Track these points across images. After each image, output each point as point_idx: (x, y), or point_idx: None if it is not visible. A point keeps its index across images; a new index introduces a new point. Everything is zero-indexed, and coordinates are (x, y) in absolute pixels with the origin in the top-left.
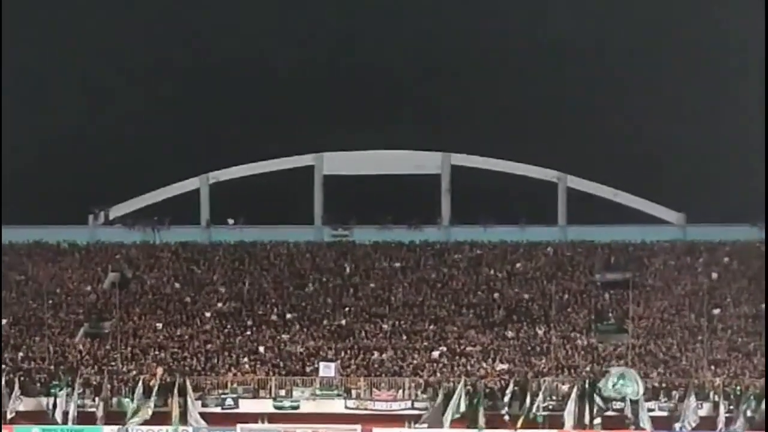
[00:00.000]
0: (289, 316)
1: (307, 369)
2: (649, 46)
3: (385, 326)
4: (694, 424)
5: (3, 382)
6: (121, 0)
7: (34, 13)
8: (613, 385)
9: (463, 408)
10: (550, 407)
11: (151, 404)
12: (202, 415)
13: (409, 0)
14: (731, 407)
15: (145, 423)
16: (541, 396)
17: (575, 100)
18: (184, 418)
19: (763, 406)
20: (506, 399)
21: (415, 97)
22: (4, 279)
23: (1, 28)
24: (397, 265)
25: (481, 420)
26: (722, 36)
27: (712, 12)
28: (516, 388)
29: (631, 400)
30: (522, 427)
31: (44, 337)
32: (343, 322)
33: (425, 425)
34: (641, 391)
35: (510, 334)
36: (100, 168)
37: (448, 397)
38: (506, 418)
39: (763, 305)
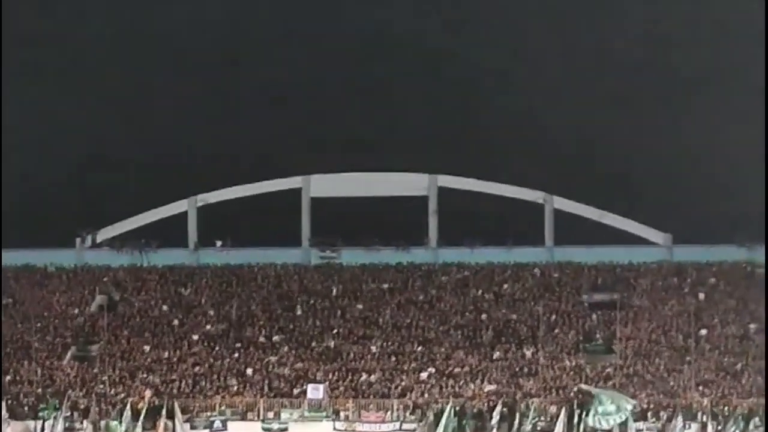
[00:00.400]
0: (277, 338)
1: (296, 391)
2: (636, 68)
3: (373, 348)
4: None
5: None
6: (106, 23)
7: (14, 40)
8: (594, 415)
9: (451, 429)
10: (539, 428)
11: (140, 427)
12: None
13: (394, 23)
14: (719, 428)
15: None
16: (530, 417)
17: (561, 121)
18: None
19: (751, 426)
20: (495, 420)
21: (403, 118)
22: None
23: None
24: (385, 286)
25: None
26: (713, 55)
27: (699, 33)
28: (504, 409)
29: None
30: None
31: (32, 360)
32: (331, 343)
33: None
34: (625, 416)
35: (498, 355)
36: (87, 190)
37: (436, 418)
38: None
39: (751, 325)
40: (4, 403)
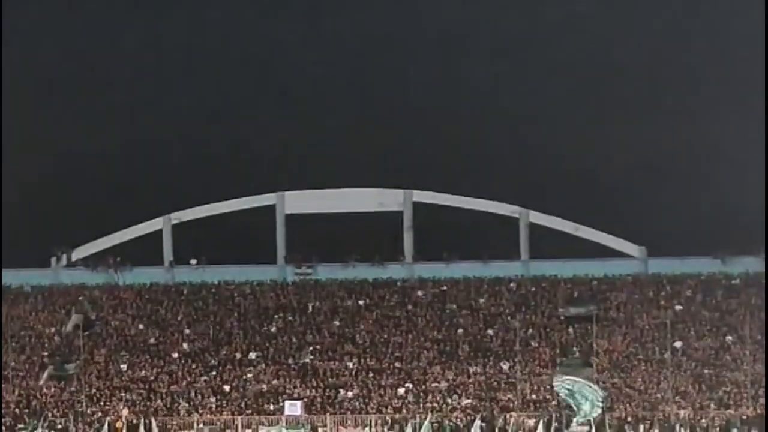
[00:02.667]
0: (253, 355)
1: (273, 407)
2: (611, 83)
3: (350, 364)
4: None
5: None
6: (79, 38)
7: None
8: (577, 423)
9: None
10: None
11: None
12: None
13: (370, 37)
14: None
15: None
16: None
17: (535, 136)
18: None
19: None
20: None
21: (377, 134)
22: None
23: None
24: (361, 302)
25: None
26: (688, 68)
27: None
28: (483, 423)
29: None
30: None
31: (8, 380)
32: (308, 360)
33: None
34: (599, 407)
35: (475, 369)
36: (61, 210)
37: None
38: None
39: (727, 337)
40: None
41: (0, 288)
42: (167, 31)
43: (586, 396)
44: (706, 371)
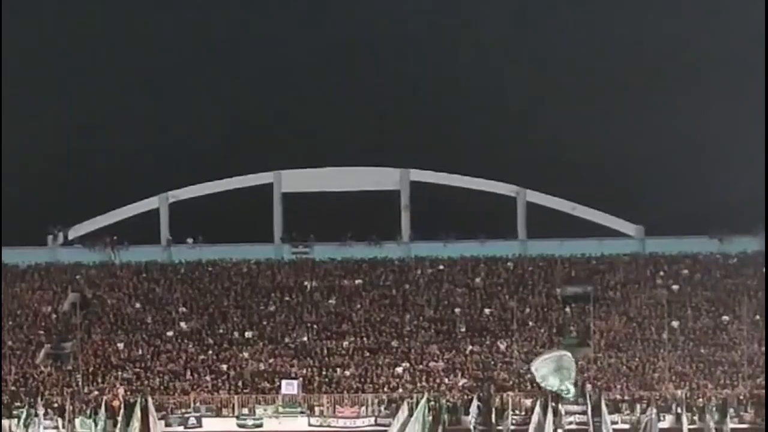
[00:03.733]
0: (250, 334)
1: (270, 387)
2: (607, 60)
3: (346, 343)
4: None
5: None
6: (78, 20)
7: None
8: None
9: (425, 423)
10: (514, 422)
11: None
12: None
13: (367, 18)
14: (694, 419)
15: None
16: (507, 411)
17: (533, 114)
18: None
19: (728, 418)
20: (472, 414)
21: (374, 112)
22: None
23: None
24: (358, 281)
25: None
26: (685, 46)
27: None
28: (479, 403)
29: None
30: None
31: (5, 359)
32: (305, 339)
33: None
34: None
35: (472, 349)
36: (58, 188)
37: (411, 412)
38: None
39: (724, 317)
40: None
41: (0, 267)
42: (158, 5)
43: (565, 366)
44: (702, 351)
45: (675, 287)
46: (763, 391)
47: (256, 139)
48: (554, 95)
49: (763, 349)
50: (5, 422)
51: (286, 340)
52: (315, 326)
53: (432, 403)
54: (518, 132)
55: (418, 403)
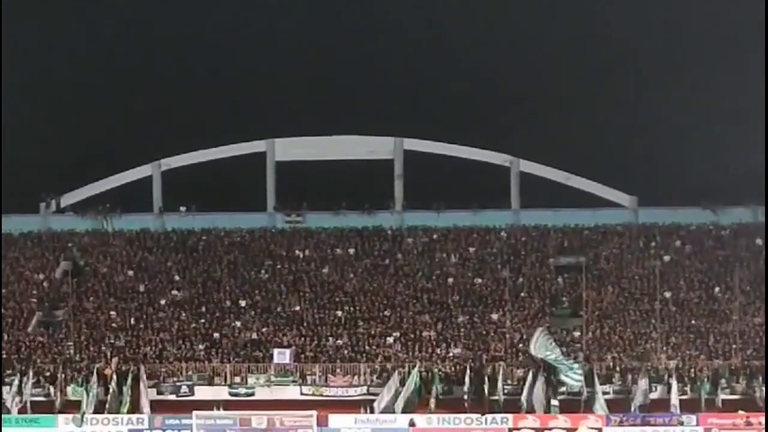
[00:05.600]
0: (243, 303)
1: (262, 355)
2: (602, 36)
3: (339, 312)
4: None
5: None
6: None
7: None
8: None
9: (417, 393)
10: (506, 392)
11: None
12: (158, 402)
13: None
14: (686, 389)
15: (99, 412)
16: (500, 381)
17: (527, 84)
18: (137, 406)
19: (720, 389)
20: (466, 384)
21: (368, 81)
22: None
23: None
24: (351, 251)
25: (432, 404)
26: (684, 17)
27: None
28: (471, 373)
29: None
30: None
31: None
32: (298, 308)
33: (379, 410)
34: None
35: (464, 319)
36: (51, 155)
37: (403, 382)
38: (467, 403)
39: (716, 288)
40: None
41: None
42: None
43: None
44: (694, 322)
45: (667, 258)
46: (756, 362)
47: (249, 107)
48: (550, 65)
49: (756, 320)
50: None
51: (279, 309)
52: (307, 295)
53: (424, 372)
54: (512, 102)
55: (410, 372)
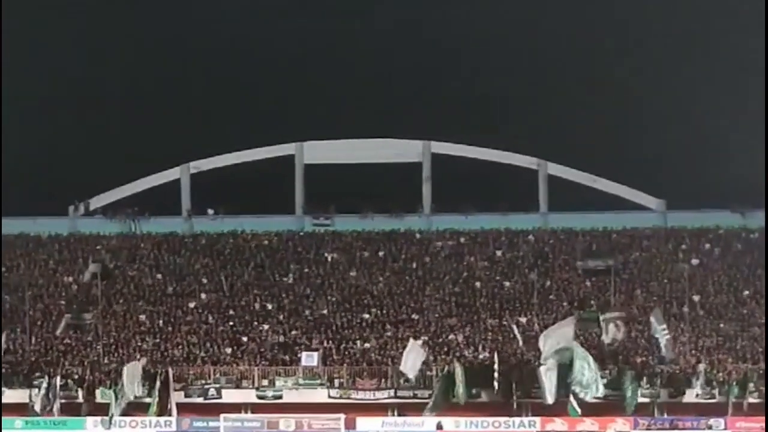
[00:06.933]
0: (270, 306)
1: (290, 358)
2: (627, 38)
3: (367, 315)
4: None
5: None
6: None
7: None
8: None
9: (447, 393)
10: (532, 394)
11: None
12: (185, 405)
13: None
14: (713, 392)
15: (128, 414)
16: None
17: (555, 88)
18: (165, 409)
19: (747, 392)
20: (495, 386)
21: (397, 85)
22: None
23: None
24: (379, 254)
25: (462, 398)
26: (699, 26)
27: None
28: (500, 376)
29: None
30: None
31: (26, 329)
32: (325, 311)
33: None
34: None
35: (492, 322)
36: (80, 159)
37: (430, 385)
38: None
39: (745, 291)
40: None
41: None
42: None
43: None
44: (722, 325)
45: (695, 261)
46: None
47: (278, 110)
48: (577, 68)
49: None
50: (26, 392)
51: (307, 312)
52: (335, 299)
53: (452, 371)
54: (540, 104)
55: (437, 375)
